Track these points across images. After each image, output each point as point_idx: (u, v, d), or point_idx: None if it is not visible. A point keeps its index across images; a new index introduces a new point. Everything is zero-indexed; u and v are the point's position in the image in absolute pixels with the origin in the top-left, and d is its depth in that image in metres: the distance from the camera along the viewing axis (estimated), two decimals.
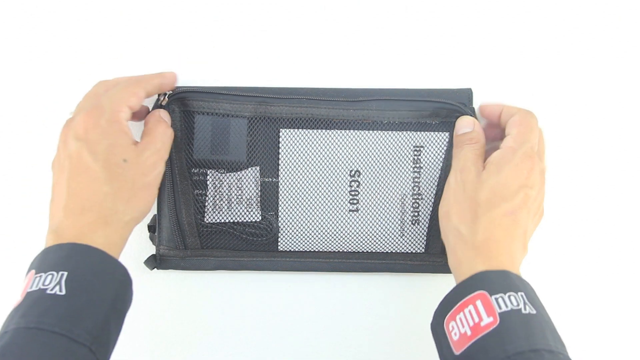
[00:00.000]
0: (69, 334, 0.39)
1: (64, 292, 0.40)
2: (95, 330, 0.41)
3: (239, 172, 0.55)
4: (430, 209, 0.56)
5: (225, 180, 0.55)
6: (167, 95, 0.54)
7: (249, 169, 0.55)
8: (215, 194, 0.55)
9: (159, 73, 0.53)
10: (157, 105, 0.54)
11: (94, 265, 0.43)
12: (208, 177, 0.55)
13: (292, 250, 0.56)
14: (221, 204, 0.54)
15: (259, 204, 0.55)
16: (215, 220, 0.54)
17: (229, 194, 0.55)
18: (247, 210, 0.55)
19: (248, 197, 0.55)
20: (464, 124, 0.54)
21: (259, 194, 0.55)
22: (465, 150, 0.52)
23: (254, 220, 0.55)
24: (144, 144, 0.48)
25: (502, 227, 0.47)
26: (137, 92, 0.49)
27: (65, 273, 0.41)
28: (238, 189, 0.55)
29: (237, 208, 0.55)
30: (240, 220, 0.55)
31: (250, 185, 0.55)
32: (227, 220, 0.54)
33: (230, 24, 0.58)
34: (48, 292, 0.40)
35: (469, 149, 0.52)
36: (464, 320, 0.43)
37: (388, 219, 0.56)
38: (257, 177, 0.55)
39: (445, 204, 0.51)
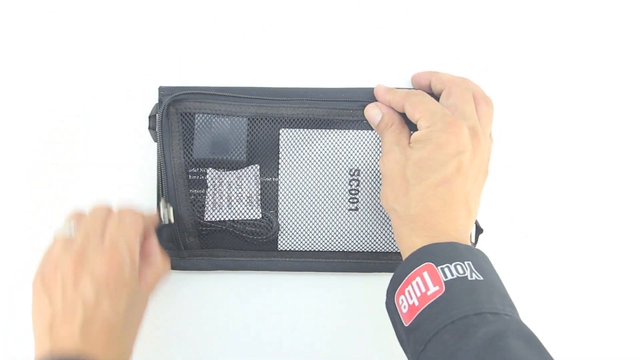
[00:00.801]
0: None
1: None
2: None
3: (238, 170, 0.55)
4: None
5: (225, 178, 0.55)
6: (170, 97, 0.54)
7: (249, 167, 0.55)
8: (215, 192, 0.55)
9: (149, 213, 0.52)
10: (163, 112, 0.54)
11: None
12: (208, 175, 0.55)
13: (291, 249, 0.56)
14: (221, 202, 0.54)
15: (259, 201, 0.55)
16: (215, 218, 0.54)
17: (228, 191, 0.55)
18: (248, 208, 0.55)
19: (248, 194, 0.55)
20: (373, 114, 0.54)
21: (259, 191, 0.55)
22: (386, 135, 0.52)
23: (254, 217, 0.55)
24: (150, 278, 0.49)
25: (437, 198, 0.47)
26: (140, 226, 0.48)
27: None
28: (238, 186, 0.55)
29: (237, 205, 0.55)
30: (240, 218, 0.55)
31: (251, 183, 0.55)
32: (227, 218, 0.54)
33: (230, 24, 0.58)
34: None
35: (387, 134, 0.52)
36: (412, 292, 0.44)
37: (388, 218, 0.56)
38: (257, 174, 0.55)
39: (382, 190, 0.51)
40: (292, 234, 0.56)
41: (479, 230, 0.57)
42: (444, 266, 0.43)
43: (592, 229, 0.60)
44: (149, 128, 0.55)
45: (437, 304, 0.42)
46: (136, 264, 0.46)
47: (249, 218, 0.55)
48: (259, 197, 0.55)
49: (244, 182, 0.55)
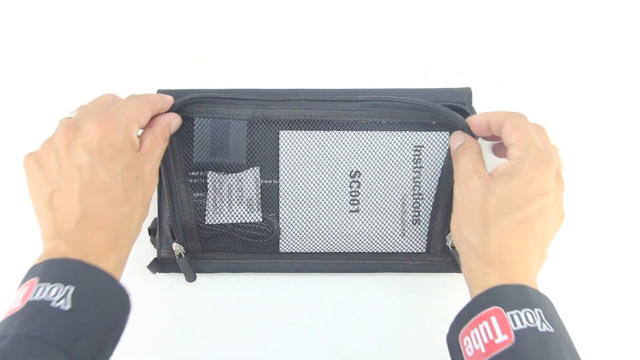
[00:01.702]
0: (69, 349, 0.38)
1: (69, 307, 0.39)
2: (94, 350, 0.40)
3: (239, 173, 0.55)
4: (431, 208, 0.56)
5: (225, 182, 0.55)
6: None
7: (249, 169, 0.55)
8: (216, 195, 0.55)
9: (162, 96, 0.51)
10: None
11: (100, 287, 0.42)
12: (208, 178, 0.55)
13: (293, 251, 0.56)
14: (222, 205, 0.54)
15: (259, 204, 0.55)
16: (216, 222, 0.54)
17: (229, 195, 0.55)
18: (248, 211, 0.55)
19: (249, 197, 0.55)
20: (455, 139, 0.53)
21: (260, 194, 0.55)
22: (461, 162, 0.50)
23: (254, 220, 0.55)
24: (144, 156, 0.47)
25: (516, 236, 0.45)
26: (147, 113, 0.48)
27: (72, 288, 0.40)
28: (238, 189, 0.55)
29: (237, 209, 0.55)
30: (241, 221, 0.55)
31: (251, 186, 0.55)
32: (227, 222, 0.54)
33: (230, 24, 0.58)
34: (53, 304, 0.39)
35: (464, 160, 0.50)
36: (479, 337, 0.42)
37: (389, 219, 0.56)
38: (258, 177, 0.55)
39: (454, 217, 0.50)
40: (294, 236, 0.56)
41: None
42: (513, 313, 0.41)
43: (592, 228, 0.60)
44: None
45: (505, 355, 0.40)
46: (133, 132, 0.46)
47: (250, 221, 0.55)
48: (260, 200, 0.55)
49: (244, 185, 0.55)
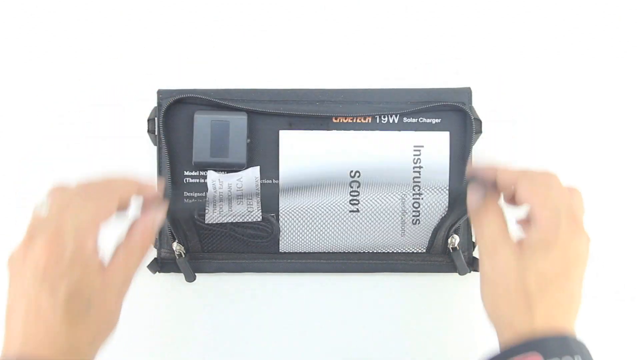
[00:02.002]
0: None
1: None
2: None
3: (239, 172, 0.55)
4: (431, 209, 0.56)
5: (225, 181, 0.55)
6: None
7: (249, 168, 0.55)
8: (216, 194, 0.55)
9: (132, 179, 0.45)
10: (162, 115, 0.54)
11: None
12: (208, 177, 0.55)
13: (293, 251, 0.56)
14: (222, 205, 0.54)
15: (259, 203, 0.55)
16: (216, 221, 0.54)
17: (229, 194, 0.55)
18: (248, 211, 0.55)
19: (249, 197, 0.55)
20: (474, 191, 0.46)
21: (259, 193, 0.55)
22: (486, 227, 0.44)
23: (254, 219, 0.55)
24: (113, 270, 0.42)
25: (560, 306, 0.42)
26: (108, 206, 0.42)
27: None
28: (238, 189, 0.55)
29: (237, 208, 0.55)
30: (241, 220, 0.55)
31: (250, 185, 0.55)
32: (227, 221, 0.54)
33: (230, 24, 0.58)
34: None
35: (489, 226, 0.44)
36: None
37: (389, 219, 0.56)
38: (257, 176, 0.55)
39: (486, 291, 0.44)
40: (294, 235, 0.56)
41: None
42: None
43: (592, 226, 0.60)
44: (148, 131, 0.55)
45: None
46: (85, 246, 0.40)
47: (250, 220, 0.55)
48: (260, 199, 0.55)
49: (244, 184, 0.55)
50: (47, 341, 0.40)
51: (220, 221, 0.54)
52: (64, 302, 0.39)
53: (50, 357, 0.39)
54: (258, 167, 0.55)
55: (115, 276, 0.42)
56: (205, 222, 0.55)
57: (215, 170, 0.55)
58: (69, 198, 0.42)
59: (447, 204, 0.57)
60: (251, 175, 0.55)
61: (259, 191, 0.55)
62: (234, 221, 0.55)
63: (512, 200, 0.45)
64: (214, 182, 0.54)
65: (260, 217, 0.55)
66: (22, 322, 0.40)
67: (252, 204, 0.55)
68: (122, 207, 0.44)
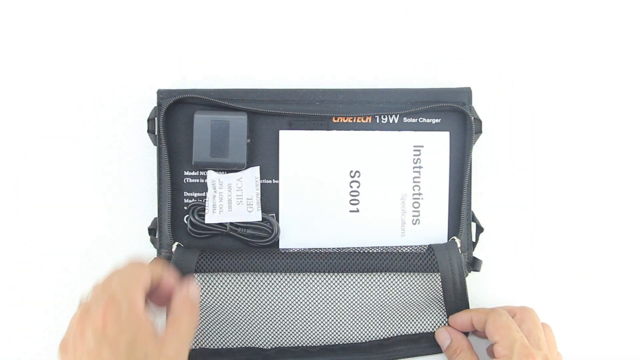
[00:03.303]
0: None
1: None
2: None
3: (239, 172, 0.55)
4: (431, 209, 0.56)
5: (225, 181, 0.55)
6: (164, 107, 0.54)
7: (249, 168, 0.55)
8: (215, 194, 0.55)
9: (162, 265, 0.51)
10: (162, 115, 0.54)
11: None
12: (208, 177, 0.55)
13: (293, 251, 0.56)
14: (222, 205, 0.54)
15: (259, 203, 0.55)
16: (216, 221, 0.54)
17: (229, 194, 0.55)
18: (248, 211, 0.55)
19: (248, 196, 0.55)
20: (441, 338, 0.56)
21: (259, 193, 0.55)
22: None
23: (255, 219, 0.55)
24: (167, 336, 0.46)
25: None
26: (146, 277, 0.47)
27: None
28: (238, 188, 0.55)
29: (237, 208, 0.55)
30: (241, 220, 0.55)
31: (250, 185, 0.55)
32: (227, 221, 0.54)
33: (230, 24, 0.58)
34: None
35: None
36: None
37: (389, 219, 0.56)
38: (257, 176, 0.55)
39: None
40: (294, 235, 0.56)
41: (479, 230, 0.57)
42: None
43: (593, 226, 0.60)
44: (148, 131, 0.55)
45: None
46: (137, 302, 0.45)
47: (250, 220, 0.55)
48: (260, 199, 0.55)
49: (244, 184, 0.55)
50: None
51: (220, 221, 0.54)
52: (125, 352, 0.43)
53: None
54: (258, 167, 0.55)
55: (169, 343, 0.46)
56: (205, 222, 0.55)
57: (215, 170, 0.55)
58: (110, 279, 0.47)
59: (447, 204, 0.57)
60: (251, 175, 0.55)
61: (259, 191, 0.55)
62: (234, 221, 0.55)
63: (484, 334, 0.53)
64: (213, 182, 0.54)
65: (260, 217, 0.55)
66: None
67: (252, 204, 0.55)
68: (154, 281, 0.49)
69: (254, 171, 0.55)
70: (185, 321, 0.48)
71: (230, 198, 0.54)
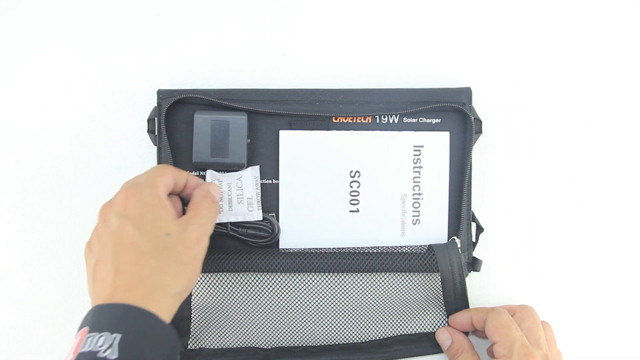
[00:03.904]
0: None
1: (116, 356, 0.40)
2: None
3: (239, 172, 0.55)
4: (431, 209, 0.56)
5: (224, 180, 0.55)
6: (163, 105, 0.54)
7: (249, 168, 0.55)
8: None
9: (187, 172, 0.52)
10: (162, 115, 0.54)
11: (146, 330, 0.42)
12: (207, 177, 0.55)
13: (293, 251, 0.56)
14: (222, 204, 0.54)
15: (259, 203, 0.55)
16: (217, 221, 0.54)
17: (229, 193, 0.55)
18: (248, 210, 0.55)
19: (248, 196, 0.55)
20: (442, 338, 0.56)
21: (260, 192, 0.55)
22: None
23: (255, 219, 0.55)
24: (187, 218, 0.47)
25: None
26: (168, 172, 0.49)
27: (119, 336, 0.40)
28: (238, 188, 0.55)
29: (237, 207, 0.55)
30: (241, 220, 0.55)
31: (250, 184, 0.55)
32: (228, 220, 0.54)
33: (230, 24, 0.58)
34: (100, 354, 0.39)
35: None
36: None
37: (389, 219, 0.56)
38: (257, 175, 0.55)
39: None
40: (294, 235, 0.56)
41: (479, 230, 0.57)
42: None
43: (592, 226, 0.60)
44: (148, 131, 0.55)
45: None
46: (158, 188, 0.46)
47: (251, 220, 0.55)
48: (260, 198, 0.55)
49: (244, 183, 0.55)
50: (138, 264, 0.44)
51: (221, 221, 0.54)
52: (148, 229, 0.44)
53: (140, 278, 0.43)
54: (258, 167, 0.55)
55: (191, 223, 0.47)
56: None
57: (214, 170, 0.55)
58: (133, 178, 0.48)
59: (447, 204, 0.57)
60: (251, 175, 0.55)
61: (259, 190, 0.55)
62: (235, 221, 0.55)
63: (484, 334, 0.53)
64: (213, 181, 0.54)
65: (261, 217, 0.55)
66: (110, 258, 0.44)
67: (252, 204, 0.55)
68: (178, 187, 0.50)
69: (254, 170, 0.55)
70: (206, 210, 0.49)
71: (230, 197, 0.54)
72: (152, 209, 0.45)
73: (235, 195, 0.54)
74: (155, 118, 0.55)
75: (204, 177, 0.55)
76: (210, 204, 0.49)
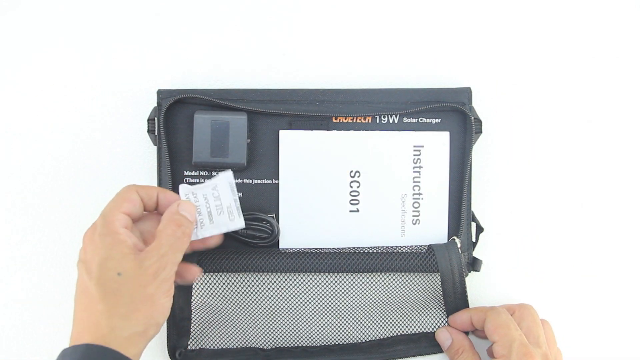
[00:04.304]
0: None
1: None
2: None
3: (211, 180, 0.52)
4: (431, 209, 0.56)
5: (199, 193, 0.51)
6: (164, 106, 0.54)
7: (220, 174, 0.52)
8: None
9: (158, 187, 0.50)
10: (162, 116, 0.54)
11: None
12: (180, 192, 0.50)
13: (293, 251, 0.56)
14: (201, 219, 0.50)
15: (239, 209, 0.51)
16: (201, 237, 0.50)
17: (207, 205, 0.51)
18: (230, 219, 0.51)
19: (227, 204, 0.51)
20: (442, 338, 0.56)
21: (237, 199, 0.51)
22: None
23: (238, 227, 0.51)
24: (146, 252, 0.45)
25: None
26: (131, 197, 0.47)
27: None
28: (215, 198, 0.51)
29: (218, 219, 0.51)
30: (225, 231, 0.51)
31: (226, 192, 0.51)
32: (211, 234, 0.51)
33: (230, 24, 0.58)
34: None
35: None
36: None
37: (389, 219, 0.56)
38: (232, 181, 0.52)
39: None
40: (294, 235, 0.56)
41: (479, 230, 0.57)
42: None
43: (592, 226, 0.60)
44: (148, 131, 0.55)
45: None
46: (112, 225, 0.45)
47: (234, 229, 0.51)
48: (239, 204, 0.51)
49: (220, 192, 0.51)
50: (88, 309, 0.44)
51: (203, 236, 0.50)
52: (97, 272, 0.44)
53: (88, 324, 0.43)
54: (230, 171, 0.52)
55: (148, 257, 0.45)
56: (192, 239, 0.50)
57: (214, 171, 0.54)
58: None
59: (447, 204, 0.57)
60: (225, 182, 0.51)
61: (237, 197, 0.51)
62: (218, 233, 0.51)
63: (484, 333, 0.53)
64: (187, 196, 0.50)
65: (244, 224, 0.51)
66: (74, 305, 0.45)
67: (232, 212, 0.51)
68: (149, 205, 0.49)
69: (227, 176, 0.51)
70: (168, 238, 0.46)
71: (209, 210, 0.51)
72: (102, 250, 0.44)
73: (214, 206, 0.51)
74: (155, 118, 0.55)
75: (204, 177, 0.55)
76: (175, 229, 0.47)
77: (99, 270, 0.44)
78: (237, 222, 0.51)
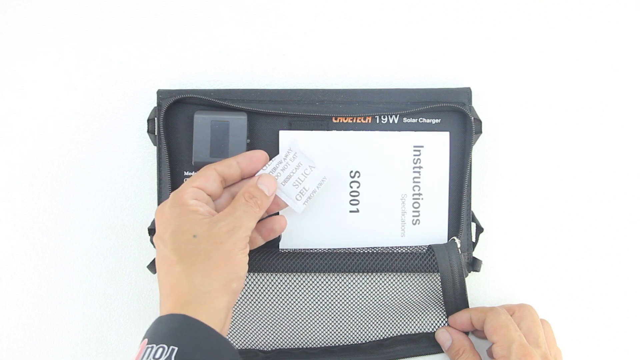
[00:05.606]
0: None
1: None
2: None
3: (315, 164, 0.53)
4: (431, 209, 0.56)
5: (298, 159, 0.53)
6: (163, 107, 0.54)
7: (325, 167, 0.53)
8: (282, 162, 0.53)
9: (241, 154, 0.51)
10: (162, 116, 0.54)
11: (202, 343, 0.42)
12: (291, 140, 0.53)
13: (293, 251, 0.56)
14: (278, 174, 0.52)
15: (310, 199, 0.53)
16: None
17: (293, 170, 0.52)
18: (297, 198, 0.53)
19: (306, 187, 0.53)
20: (442, 339, 0.56)
21: (317, 191, 0.53)
22: None
23: (295, 209, 0.52)
24: (219, 215, 0.47)
25: None
26: (206, 174, 0.49)
27: (176, 349, 0.41)
28: (303, 173, 0.53)
29: (288, 189, 0.52)
30: (283, 200, 0.52)
31: (315, 179, 0.53)
32: (280, 181, 0.52)
33: (231, 24, 0.58)
34: None
35: None
36: None
37: (389, 219, 0.56)
38: (326, 178, 0.53)
39: None
40: (294, 235, 0.56)
41: (479, 230, 0.57)
42: None
43: (592, 226, 0.60)
44: (148, 131, 0.55)
45: None
46: (184, 195, 0.47)
47: (291, 206, 0.52)
48: (313, 196, 0.53)
49: (311, 173, 0.53)
50: (168, 274, 0.46)
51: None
52: (171, 239, 0.46)
53: (170, 287, 0.45)
54: (331, 174, 0.53)
55: (222, 219, 0.47)
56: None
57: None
58: None
59: (447, 204, 0.57)
60: (321, 172, 0.53)
61: (318, 191, 0.53)
62: (280, 198, 0.52)
63: (483, 334, 0.53)
64: (289, 151, 0.53)
65: (301, 210, 0.53)
66: (158, 276, 0.48)
67: (303, 195, 0.52)
68: (223, 174, 0.50)
69: (328, 172, 0.53)
70: (242, 204, 0.48)
71: (290, 174, 0.52)
72: (173, 219, 0.47)
73: (296, 178, 0.52)
74: (155, 118, 0.55)
75: None
76: (249, 200, 0.48)
77: (172, 237, 0.46)
78: (299, 206, 0.52)
